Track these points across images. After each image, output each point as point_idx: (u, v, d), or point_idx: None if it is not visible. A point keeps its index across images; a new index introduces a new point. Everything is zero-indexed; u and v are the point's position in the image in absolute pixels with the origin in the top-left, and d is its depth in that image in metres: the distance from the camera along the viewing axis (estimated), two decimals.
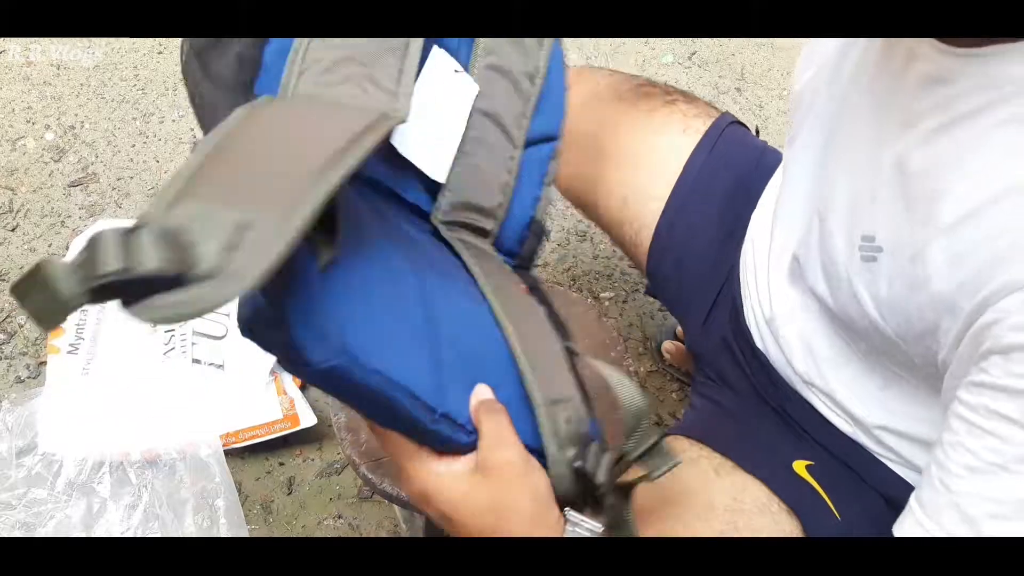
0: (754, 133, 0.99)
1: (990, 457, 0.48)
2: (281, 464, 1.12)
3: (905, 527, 0.53)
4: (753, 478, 0.72)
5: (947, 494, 0.50)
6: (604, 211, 0.98)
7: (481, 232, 0.62)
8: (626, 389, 0.52)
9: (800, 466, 0.73)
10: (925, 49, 0.54)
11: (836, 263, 0.63)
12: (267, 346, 0.44)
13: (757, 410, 0.79)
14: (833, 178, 0.65)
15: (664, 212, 0.92)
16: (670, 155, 0.93)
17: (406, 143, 0.57)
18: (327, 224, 0.42)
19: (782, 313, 0.76)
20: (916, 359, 0.59)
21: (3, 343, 1.22)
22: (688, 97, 1.00)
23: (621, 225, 0.97)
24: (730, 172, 0.92)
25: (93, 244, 0.32)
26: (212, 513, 1.01)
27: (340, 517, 1.08)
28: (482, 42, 0.62)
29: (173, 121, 1.54)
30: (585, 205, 1.02)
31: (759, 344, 0.79)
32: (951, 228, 0.51)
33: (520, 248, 0.64)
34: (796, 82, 0.74)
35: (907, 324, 0.56)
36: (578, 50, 1.84)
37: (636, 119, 0.96)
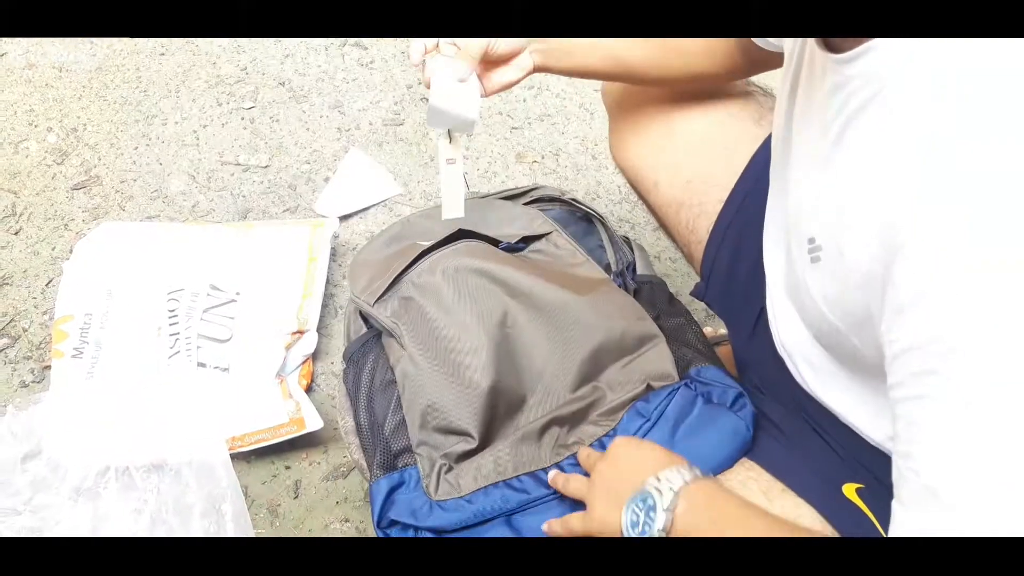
0: None
1: (934, 421, 0.46)
2: (287, 468, 1.12)
3: (894, 529, 0.51)
4: (805, 503, 0.71)
5: (916, 479, 0.48)
6: (665, 190, 0.97)
7: None
8: None
9: (850, 489, 0.72)
10: (829, 62, 0.59)
11: (796, 272, 0.66)
12: None
13: (803, 426, 0.77)
14: (792, 191, 0.69)
15: (727, 202, 0.91)
16: (741, 143, 0.92)
17: None
18: None
19: (785, 325, 0.74)
20: (874, 359, 0.58)
21: (7, 347, 1.21)
22: (767, 93, 0.99)
23: (680, 207, 0.95)
24: None
25: None
26: (219, 518, 1.00)
27: (347, 520, 1.07)
28: None
29: (176, 123, 1.53)
30: (644, 182, 1.00)
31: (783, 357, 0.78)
32: (859, 217, 0.55)
33: None
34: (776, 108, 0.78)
35: (849, 316, 0.59)
36: None
37: (712, 103, 0.95)
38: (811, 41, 0.64)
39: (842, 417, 0.71)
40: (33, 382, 1.18)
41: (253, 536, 1.02)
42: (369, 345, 0.92)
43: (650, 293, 0.96)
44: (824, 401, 0.73)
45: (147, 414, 1.09)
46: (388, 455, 0.81)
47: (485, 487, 0.77)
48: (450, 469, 0.79)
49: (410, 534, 0.77)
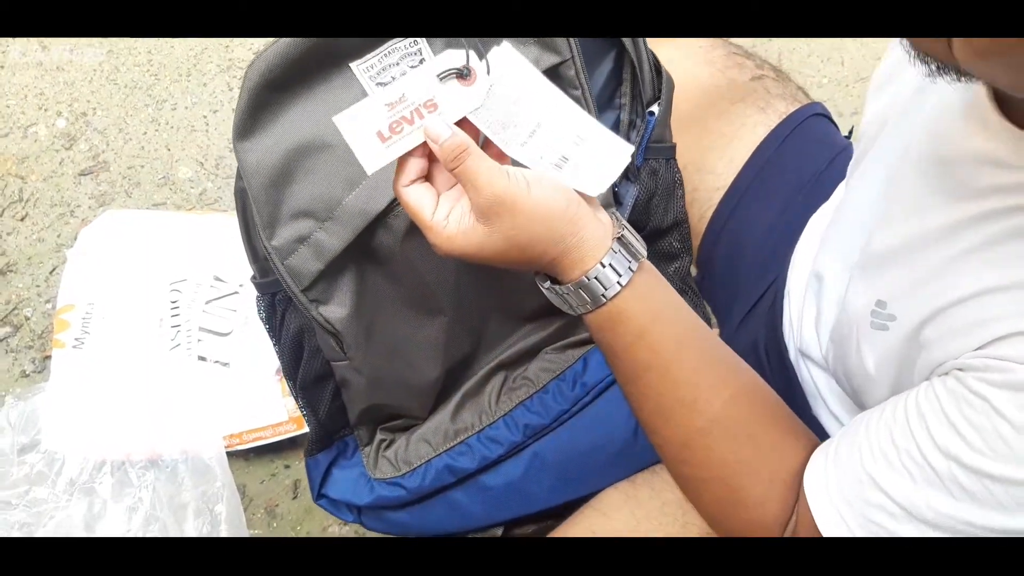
0: (845, 134, 0.90)
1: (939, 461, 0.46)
2: (287, 467, 1.09)
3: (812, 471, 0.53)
4: None
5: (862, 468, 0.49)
6: None
7: None
8: None
9: None
10: (993, 120, 0.46)
11: (850, 321, 0.57)
12: None
13: None
14: (882, 224, 0.57)
15: (728, 192, 0.86)
16: (741, 129, 0.87)
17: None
18: None
19: (810, 331, 0.70)
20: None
21: (9, 336, 1.20)
22: (780, 76, 0.92)
23: None
24: (802, 166, 0.85)
25: None
26: (213, 518, 0.98)
27: (346, 524, 1.04)
28: None
29: (186, 108, 1.51)
30: None
31: (792, 359, 0.74)
32: (962, 300, 0.46)
33: None
34: (864, 111, 0.67)
35: (899, 377, 0.53)
36: None
37: (717, 84, 0.89)
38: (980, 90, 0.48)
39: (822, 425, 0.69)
40: (34, 372, 1.17)
41: (247, 537, 0.99)
42: (289, 313, 0.71)
43: (652, 177, 0.73)
44: (817, 413, 0.70)
45: (145, 408, 1.06)
46: (324, 435, 0.76)
47: (429, 460, 0.73)
48: (390, 444, 0.74)
49: (346, 512, 0.77)
